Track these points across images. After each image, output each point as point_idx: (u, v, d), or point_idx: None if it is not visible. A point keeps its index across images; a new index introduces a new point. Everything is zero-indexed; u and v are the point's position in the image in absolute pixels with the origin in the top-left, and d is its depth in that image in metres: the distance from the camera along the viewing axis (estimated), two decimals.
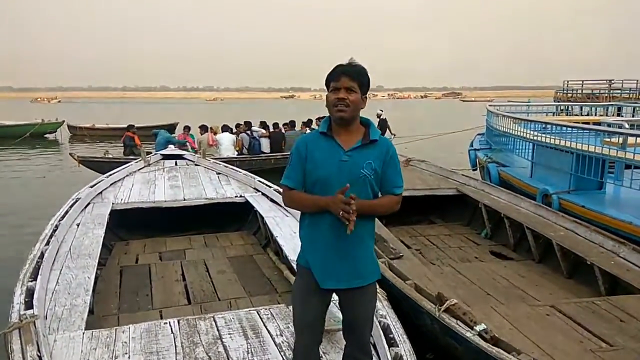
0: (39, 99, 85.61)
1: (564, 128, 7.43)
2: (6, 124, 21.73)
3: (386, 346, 2.53)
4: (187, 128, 12.03)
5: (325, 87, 2.12)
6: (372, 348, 2.61)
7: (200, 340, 2.75)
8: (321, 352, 2.62)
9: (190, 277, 4.43)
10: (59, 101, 79.14)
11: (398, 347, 2.53)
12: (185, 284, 4.28)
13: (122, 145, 12.17)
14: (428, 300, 3.14)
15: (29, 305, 2.86)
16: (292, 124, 12.11)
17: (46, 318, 2.88)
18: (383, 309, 2.86)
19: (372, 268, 2.17)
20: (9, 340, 2.52)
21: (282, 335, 2.78)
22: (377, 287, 3.04)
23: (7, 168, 13.31)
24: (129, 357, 2.56)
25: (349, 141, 2.07)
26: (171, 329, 2.86)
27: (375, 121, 15.53)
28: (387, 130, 14.48)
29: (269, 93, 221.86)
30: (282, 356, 2.60)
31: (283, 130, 11.87)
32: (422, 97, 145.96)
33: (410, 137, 14.19)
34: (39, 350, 2.41)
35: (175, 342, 2.72)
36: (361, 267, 2.10)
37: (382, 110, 14.90)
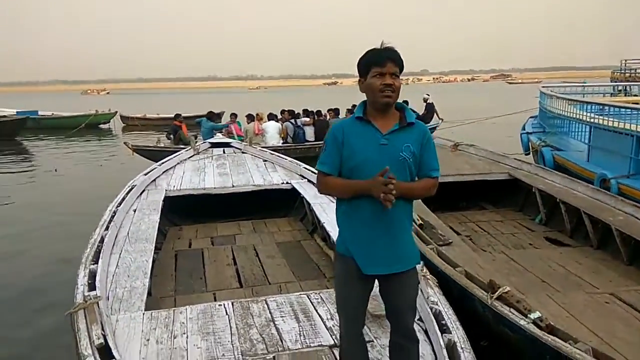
0: (89, 91, 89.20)
1: (623, 109, 7.04)
2: (63, 115, 22.88)
3: (439, 332, 2.51)
4: (234, 115, 12.24)
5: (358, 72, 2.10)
6: (424, 334, 2.61)
7: (254, 322, 2.82)
8: (372, 337, 2.65)
9: (241, 261, 4.54)
10: (108, 93, 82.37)
11: (451, 333, 2.51)
12: (237, 268, 4.39)
13: (169, 133, 12.53)
14: (479, 287, 3.08)
15: (92, 287, 3.00)
16: (336, 112, 12.08)
17: (108, 299, 3.03)
18: (434, 295, 2.84)
19: (412, 252, 2.15)
20: (75, 320, 2.66)
21: (332, 319, 2.82)
22: (428, 273, 3.03)
23: (66, 157, 14.01)
24: (187, 337, 2.67)
25: (386, 125, 2.05)
26: (226, 310, 2.95)
27: (422, 105, 15.15)
28: (435, 114, 14.19)
29: (312, 80, 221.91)
30: (333, 340, 2.63)
31: (328, 117, 11.86)
32: (469, 80, 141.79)
33: (458, 121, 13.84)
34: (103, 329, 2.53)
35: (230, 324, 2.80)
36: (402, 251, 2.09)
37: (428, 95, 14.61)
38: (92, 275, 3.16)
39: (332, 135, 2.11)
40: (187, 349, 2.57)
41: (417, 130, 2.09)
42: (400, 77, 2.08)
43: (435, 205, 4.82)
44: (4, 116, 22.67)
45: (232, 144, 7.96)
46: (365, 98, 2.12)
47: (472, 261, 3.66)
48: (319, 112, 12.21)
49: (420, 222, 4.14)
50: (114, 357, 2.31)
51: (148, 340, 2.64)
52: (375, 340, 2.62)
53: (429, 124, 12.71)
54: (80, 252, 3.56)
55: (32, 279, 5.18)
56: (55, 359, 3.41)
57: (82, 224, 6.41)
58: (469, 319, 2.94)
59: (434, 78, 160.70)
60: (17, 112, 23.02)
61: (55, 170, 11.55)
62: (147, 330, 2.73)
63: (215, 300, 3.52)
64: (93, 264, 3.33)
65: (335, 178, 2.09)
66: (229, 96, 55.46)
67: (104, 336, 2.47)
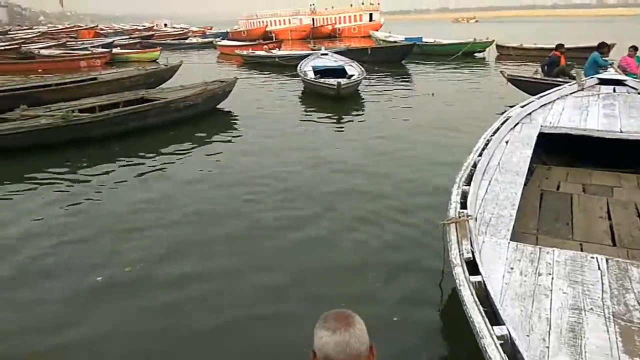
0: (459, 20, 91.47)
1: None
2: (443, 42, 24.30)
3: None
4: (633, 48, 10.30)
5: None
6: None
7: (632, 287, 2.50)
8: None
9: (617, 217, 4.00)
10: (477, 21, 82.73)
11: None
12: (611, 223, 3.90)
13: (544, 64, 11.61)
14: None
15: (463, 206, 3.24)
16: None
17: (476, 220, 3.20)
18: None
19: None
20: (447, 230, 2.95)
21: None
22: None
23: (442, 82, 14.98)
24: (552, 279, 2.60)
25: None
26: (598, 265, 2.70)
27: None
28: None
29: None
30: None
31: None
32: None
33: None
34: (471, 246, 2.72)
35: (602, 280, 2.57)
36: None
37: None
38: (464, 196, 3.39)
39: None
40: (551, 290, 2.51)
41: None
42: None
43: None
44: (395, 42, 25.90)
45: (626, 82, 6.80)
46: None
47: None
48: None
49: None
50: (479, 273, 2.47)
51: (512, 268, 2.70)
52: None
53: None
54: (451, 171, 3.91)
55: (408, 183, 6.09)
56: (425, 256, 4.01)
57: (453, 145, 7.11)
58: None
59: None
60: (405, 38, 25.82)
61: (432, 94, 12.56)
62: (511, 259, 2.79)
63: (581, 251, 3.26)
64: (465, 186, 3.55)
65: None
66: (613, 25, 46.92)
67: (472, 252, 2.65)
